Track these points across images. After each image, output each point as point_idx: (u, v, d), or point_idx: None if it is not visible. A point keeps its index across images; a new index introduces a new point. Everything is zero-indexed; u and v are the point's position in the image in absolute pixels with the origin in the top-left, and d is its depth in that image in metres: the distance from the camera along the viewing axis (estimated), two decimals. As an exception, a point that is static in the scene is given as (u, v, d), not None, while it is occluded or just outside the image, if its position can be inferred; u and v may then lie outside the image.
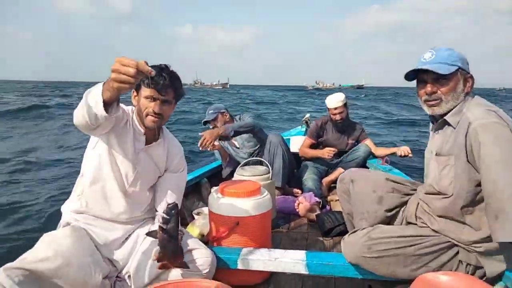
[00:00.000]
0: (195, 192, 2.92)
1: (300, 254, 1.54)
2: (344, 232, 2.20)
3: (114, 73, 1.02)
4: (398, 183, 1.68)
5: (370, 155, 3.28)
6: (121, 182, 1.48)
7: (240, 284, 1.24)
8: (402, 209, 1.64)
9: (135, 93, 1.50)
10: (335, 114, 3.22)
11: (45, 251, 1.25)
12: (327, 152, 3.18)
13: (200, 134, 2.82)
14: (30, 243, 1.30)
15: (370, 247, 1.37)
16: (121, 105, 1.47)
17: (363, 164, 3.21)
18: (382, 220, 1.61)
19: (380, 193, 1.63)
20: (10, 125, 10.17)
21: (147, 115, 1.45)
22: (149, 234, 1.34)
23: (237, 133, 2.91)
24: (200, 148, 2.98)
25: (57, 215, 1.55)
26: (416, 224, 1.53)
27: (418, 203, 1.55)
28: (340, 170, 3.21)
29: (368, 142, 3.35)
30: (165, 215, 1.23)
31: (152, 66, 1.40)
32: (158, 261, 1.34)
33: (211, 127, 3.16)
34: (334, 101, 3.21)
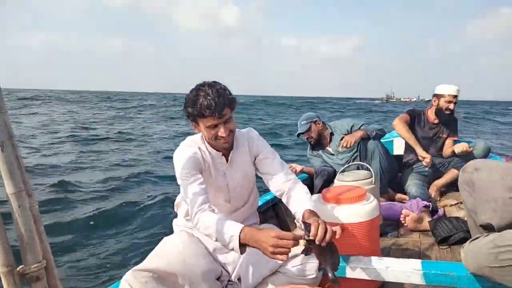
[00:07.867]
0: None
1: (415, 263, 1.43)
2: (464, 240, 1.97)
3: (272, 247, 1.18)
4: None
5: (489, 153, 2.90)
6: (223, 204, 1.60)
7: (348, 293, 1.20)
8: None
9: (194, 124, 1.51)
10: (450, 103, 2.93)
11: (165, 253, 1.40)
12: (427, 158, 2.90)
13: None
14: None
15: (497, 256, 1.19)
16: (191, 146, 1.54)
17: None
18: None
19: (511, 182, 1.35)
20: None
21: (216, 139, 1.46)
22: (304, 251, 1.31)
23: (377, 135, 2.88)
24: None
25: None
26: None
27: None
28: (453, 171, 2.91)
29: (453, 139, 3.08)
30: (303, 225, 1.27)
31: (197, 85, 1.43)
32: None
33: (305, 138, 3.13)
34: (453, 88, 2.94)
